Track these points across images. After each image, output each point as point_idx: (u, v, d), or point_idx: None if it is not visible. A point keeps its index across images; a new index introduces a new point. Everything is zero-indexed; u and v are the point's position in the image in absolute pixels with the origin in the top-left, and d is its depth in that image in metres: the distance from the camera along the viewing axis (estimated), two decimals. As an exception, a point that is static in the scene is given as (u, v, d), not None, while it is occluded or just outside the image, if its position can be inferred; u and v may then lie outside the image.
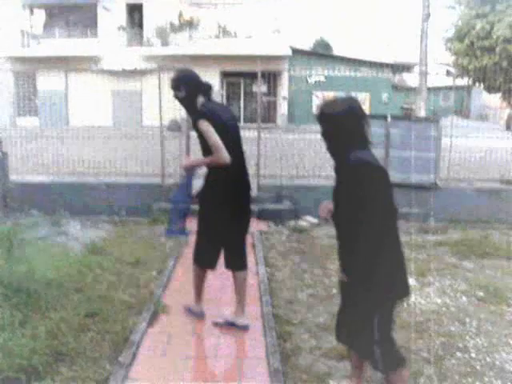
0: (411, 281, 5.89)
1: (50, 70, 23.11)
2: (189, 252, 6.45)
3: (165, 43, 23.62)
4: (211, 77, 24.63)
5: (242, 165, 4.38)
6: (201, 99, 4.32)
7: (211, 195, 4.27)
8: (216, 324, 4.60)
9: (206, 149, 4.17)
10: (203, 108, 4.26)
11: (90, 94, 22.06)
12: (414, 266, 6.40)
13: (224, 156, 4.04)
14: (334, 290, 5.31)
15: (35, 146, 11.31)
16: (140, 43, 23.76)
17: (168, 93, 4.76)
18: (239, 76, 24.29)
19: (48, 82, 22.92)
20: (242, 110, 25.41)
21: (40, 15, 25.13)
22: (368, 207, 2.76)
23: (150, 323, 4.54)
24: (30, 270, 5.25)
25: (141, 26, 24.28)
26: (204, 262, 4.52)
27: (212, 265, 4.52)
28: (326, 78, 25.82)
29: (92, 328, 4.31)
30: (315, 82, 25.88)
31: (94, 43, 23.68)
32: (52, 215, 8.89)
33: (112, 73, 22.83)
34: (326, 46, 38.15)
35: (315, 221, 8.54)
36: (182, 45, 23.29)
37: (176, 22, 24.00)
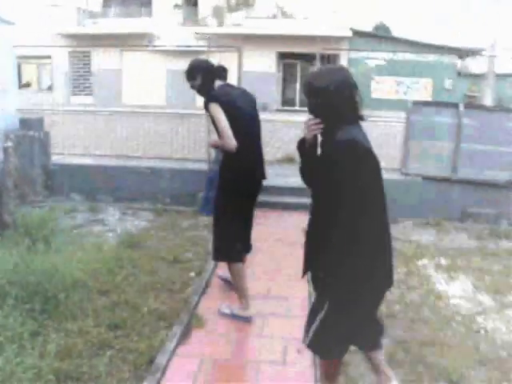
0: (486, 299, 5.06)
1: (104, 49, 22.82)
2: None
3: (220, 22, 22.95)
4: (267, 58, 23.87)
5: (257, 153, 4.31)
6: (218, 83, 4.29)
7: (222, 181, 4.23)
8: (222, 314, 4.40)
9: (217, 132, 4.11)
10: (216, 91, 4.20)
11: (144, 73, 21.67)
12: (488, 280, 5.54)
13: (230, 143, 3.95)
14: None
15: (84, 125, 10.91)
16: (195, 22, 23.14)
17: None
18: (296, 58, 23.36)
19: (103, 61, 22.66)
20: (297, 92, 24.53)
21: (97, -7, 24.90)
22: (348, 191, 2.47)
23: (181, 340, 3.90)
24: (53, 266, 4.71)
25: (196, 4, 23.64)
26: (238, 252, 4.35)
27: (247, 250, 4.52)
28: (386, 61, 24.58)
29: (112, 344, 3.70)
30: (375, 65, 24.68)
31: (148, 22, 23.22)
32: (93, 200, 8.46)
33: (166, 52, 22.37)
34: (386, 31, 36.53)
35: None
36: (238, 24, 22.51)
37: (232, 1, 23.23)
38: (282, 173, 9.20)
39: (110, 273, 5.05)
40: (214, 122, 4.09)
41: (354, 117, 2.62)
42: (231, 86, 4.39)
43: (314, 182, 2.74)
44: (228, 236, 4.25)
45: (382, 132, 8.85)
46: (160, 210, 7.89)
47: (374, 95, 23.14)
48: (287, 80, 24.25)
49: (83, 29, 23.74)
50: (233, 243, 4.26)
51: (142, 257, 5.59)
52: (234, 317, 4.35)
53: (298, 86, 24.87)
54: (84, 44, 23.24)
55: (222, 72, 4.33)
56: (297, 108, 23.44)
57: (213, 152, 7.93)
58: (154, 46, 22.59)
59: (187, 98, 21.60)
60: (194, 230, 6.84)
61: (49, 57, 24.32)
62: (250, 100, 4.36)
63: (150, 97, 21.17)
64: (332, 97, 2.54)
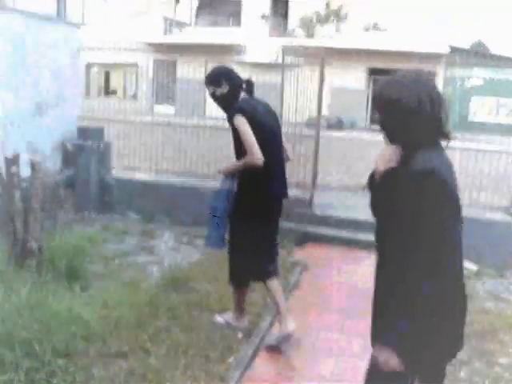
0: None
1: (190, 59, 22.44)
2: (301, 296, 4.78)
3: (309, 34, 22.00)
4: (357, 73, 22.65)
5: (279, 171, 4.13)
6: (242, 95, 4.07)
7: (243, 202, 3.98)
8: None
9: (239, 149, 3.93)
10: (242, 103, 4.00)
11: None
12: None
13: (258, 157, 3.78)
14: None
15: (157, 137, 10.18)
16: (283, 33, 22.32)
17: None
18: (387, 74, 21.98)
19: (187, 71, 22.27)
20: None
21: (186, 3, 24.67)
22: (425, 231, 1.96)
23: None
24: (66, 312, 3.80)
25: (285, 15, 22.83)
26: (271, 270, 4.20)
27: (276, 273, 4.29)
28: (486, 81, 22.62)
29: None
30: (473, 85, 22.79)
31: (236, 33, 22.67)
32: (149, 221, 7.61)
33: (253, 64, 21.66)
34: (484, 49, 34.15)
35: (474, 268, 6.32)
36: (328, 37, 21.44)
37: (322, 13, 22.21)
38: (364, 202, 7.93)
39: (139, 325, 4.07)
40: (236, 136, 3.91)
41: (436, 138, 2.08)
42: (256, 100, 4.14)
43: (384, 223, 2.21)
44: (242, 260, 4.10)
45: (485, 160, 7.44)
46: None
47: (472, 118, 21.33)
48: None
49: (169, 38, 23.53)
50: (266, 263, 4.15)
51: (184, 304, 4.58)
52: (228, 326, 4.26)
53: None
54: (169, 54, 23.00)
55: (249, 85, 4.11)
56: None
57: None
58: (239, 57, 21.96)
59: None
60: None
61: (135, 65, 24.34)
62: (274, 115, 4.22)
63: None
64: (406, 112, 2.01)
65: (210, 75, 4.11)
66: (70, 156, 7.83)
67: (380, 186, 2.16)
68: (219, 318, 4.36)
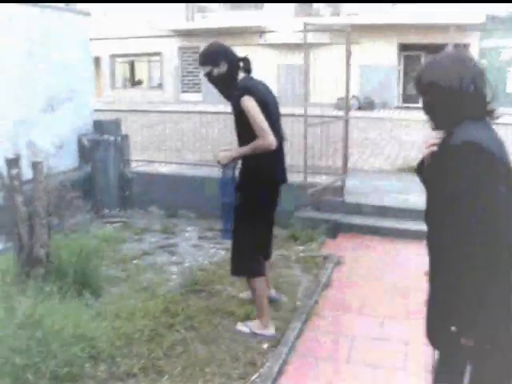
0: None
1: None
2: (333, 296, 4.35)
3: (335, 12, 21.22)
4: (387, 50, 21.77)
5: (282, 154, 3.96)
6: (241, 75, 3.81)
7: (248, 190, 3.78)
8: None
9: (244, 134, 3.67)
10: (247, 83, 3.75)
11: (254, 68, 20.53)
12: None
13: (271, 139, 3.57)
14: None
15: (173, 126, 9.81)
16: (308, 13, 21.58)
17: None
18: (420, 49, 21.04)
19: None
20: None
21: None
22: (472, 213, 1.85)
23: None
24: (75, 331, 3.43)
25: (310, -7, 22.11)
26: (261, 264, 3.95)
27: (268, 257, 4.20)
28: (524, 51, 21.52)
29: None
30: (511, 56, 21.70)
31: (260, 14, 22.03)
32: (173, 215, 7.23)
33: (278, 46, 21.07)
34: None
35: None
36: (354, 14, 20.62)
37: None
38: (401, 187, 7.40)
39: (153, 338, 3.68)
40: (242, 120, 3.62)
41: (480, 114, 2.01)
42: (255, 80, 3.86)
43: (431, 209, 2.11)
44: (251, 248, 3.84)
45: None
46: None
47: (509, 90, 20.31)
48: (409, 74, 21.99)
49: (193, 24, 23.06)
50: (256, 256, 3.89)
51: (204, 310, 4.17)
52: (254, 335, 3.85)
53: (420, 80, 22.51)
54: (193, 39, 22.54)
55: (246, 63, 3.82)
56: (419, 105, 21.23)
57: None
58: (265, 40, 21.37)
59: (300, 93, 20.29)
60: (285, 267, 5.28)
61: (159, 53, 23.99)
62: (273, 95, 3.94)
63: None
64: (448, 93, 1.97)
65: (205, 53, 3.82)
66: (87, 151, 7.49)
67: (428, 170, 2.11)
68: (243, 328, 3.96)
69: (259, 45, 20.34)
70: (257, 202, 3.80)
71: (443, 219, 1.97)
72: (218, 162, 3.85)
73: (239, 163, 3.88)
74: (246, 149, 3.66)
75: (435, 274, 2.07)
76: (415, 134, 11.85)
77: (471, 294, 1.87)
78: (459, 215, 1.89)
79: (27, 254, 4.37)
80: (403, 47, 21.83)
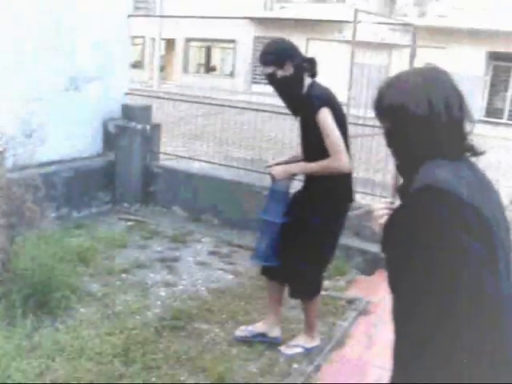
0: None
1: (289, 36, 21.08)
2: (344, 358, 3.44)
3: (422, 13, 19.72)
4: (474, 57, 20.09)
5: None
6: (308, 80, 3.32)
7: (323, 209, 3.37)
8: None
9: (313, 148, 3.30)
10: (321, 91, 3.30)
11: (328, 65, 19.51)
12: None
13: (345, 161, 3.21)
14: None
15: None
16: (390, 11, 20.22)
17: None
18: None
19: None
20: (507, 102, 20.32)
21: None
22: (431, 265, 1.44)
23: None
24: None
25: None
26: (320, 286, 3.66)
27: None
28: None
29: None
30: None
31: (340, 9, 20.86)
32: (195, 220, 6.45)
33: (356, 43, 19.80)
34: None
35: None
36: (444, 16, 19.08)
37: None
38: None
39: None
40: (315, 133, 3.22)
41: (453, 148, 1.54)
42: (328, 89, 3.38)
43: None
44: (318, 270, 3.61)
45: None
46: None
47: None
48: (496, 85, 20.22)
49: (271, 13, 22.20)
50: (320, 277, 3.69)
51: (173, 358, 3.31)
52: (307, 351, 3.58)
53: (509, 93, 20.76)
54: (270, 30, 21.68)
55: (312, 65, 3.35)
56: (505, 121, 19.44)
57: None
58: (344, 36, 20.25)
59: (369, 98, 19.13)
60: (297, 307, 4.29)
61: (233, 41, 23.33)
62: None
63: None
64: (410, 121, 1.54)
65: (269, 51, 3.33)
66: (112, 138, 6.81)
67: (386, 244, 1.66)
68: (293, 350, 3.58)
69: (336, 41, 19.22)
70: (331, 223, 3.47)
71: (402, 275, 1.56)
72: (272, 177, 3.42)
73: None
74: (313, 167, 3.30)
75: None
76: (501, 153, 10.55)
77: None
78: (416, 271, 1.47)
79: (-19, 258, 3.67)
80: (493, 56, 20.07)
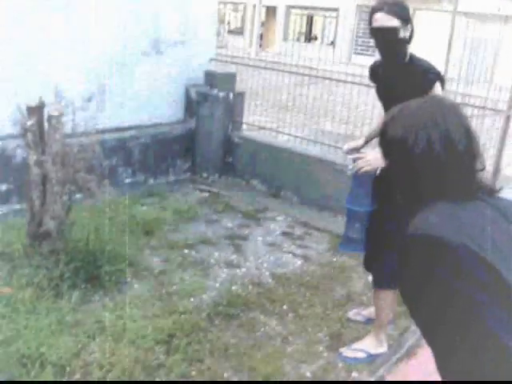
0: None
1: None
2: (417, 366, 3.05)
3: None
4: None
5: None
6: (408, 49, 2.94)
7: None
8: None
9: None
10: (431, 65, 2.92)
11: (431, 38, 18.30)
12: None
13: None
14: None
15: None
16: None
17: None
18: None
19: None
20: None
21: None
22: (426, 316, 1.40)
23: None
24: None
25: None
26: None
27: None
28: None
29: None
30: None
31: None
32: (274, 195, 6.14)
33: (468, 15, 18.47)
34: None
35: None
36: None
37: None
38: None
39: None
40: None
41: (459, 190, 1.41)
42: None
43: None
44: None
45: None
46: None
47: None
48: None
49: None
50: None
51: (214, 355, 3.03)
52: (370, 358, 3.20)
53: None
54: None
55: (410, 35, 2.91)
56: None
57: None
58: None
59: (483, 73, 17.72)
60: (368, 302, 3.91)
61: (336, 9, 22.46)
62: None
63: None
64: (408, 158, 1.43)
65: (396, 2, 2.84)
66: (194, 105, 6.58)
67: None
68: (355, 354, 3.20)
69: (447, 11, 17.88)
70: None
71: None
72: (355, 164, 3.02)
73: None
74: None
75: None
76: None
77: None
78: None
79: (37, 224, 3.55)
80: None
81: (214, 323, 3.34)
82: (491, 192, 1.49)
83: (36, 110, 3.42)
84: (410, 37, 2.89)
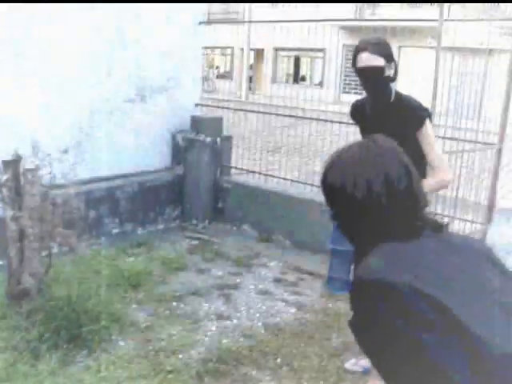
0: None
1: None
2: None
3: (529, 15, 18.20)
4: None
5: None
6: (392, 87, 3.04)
7: None
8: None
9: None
10: (419, 103, 3.00)
11: (417, 73, 18.50)
12: None
13: (451, 175, 3.10)
14: None
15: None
16: (492, 16, 18.83)
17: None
18: None
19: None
20: None
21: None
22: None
23: None
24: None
25: (500, -8, 19.27)
26: None
27: None
28: None
29: None
30: None
31: (434, 14, 19.79)
32: (266, 240, 6.01)
33: (449, 48, 18.62)
34: None
35: None
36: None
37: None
38: None
39: None
40: (414, 147, 2.71)
41: (406, 228, 1.39)
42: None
43: None
44: None
45: None
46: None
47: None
48: None
49: (362, 21, 21.44)
50: None
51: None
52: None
53: None
54: (360, 37, 20.92)
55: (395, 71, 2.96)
56: None
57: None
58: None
59: (471, 106, 17.86)
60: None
61: (322, 50, 22.79)
62: None
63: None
64: (353, 204, 1.40)
65: (379, 42, 2.91)
66: (181, 151, 6.49)
67: None
68: (355, 367, 3.38)
69: (430, 47, 18.17)
70: None
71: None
72: None
73: None
74: (432, 185, 2.85)
75: None
76: None
77: None
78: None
79: (15, 282, 3.39)
80: None
81: (203, 381, 3.15)
82: (439, 228, 1.46)
83: (11, 164, 3.31)
84: (395, 74, 2.92)
